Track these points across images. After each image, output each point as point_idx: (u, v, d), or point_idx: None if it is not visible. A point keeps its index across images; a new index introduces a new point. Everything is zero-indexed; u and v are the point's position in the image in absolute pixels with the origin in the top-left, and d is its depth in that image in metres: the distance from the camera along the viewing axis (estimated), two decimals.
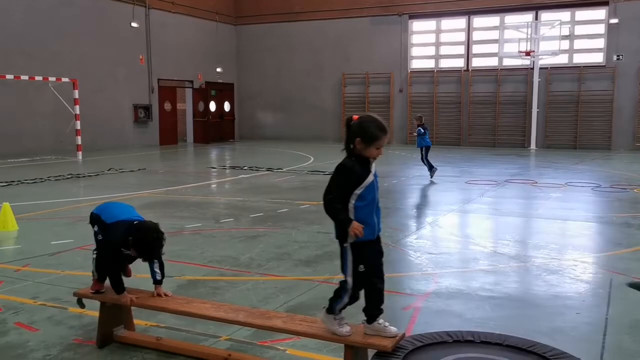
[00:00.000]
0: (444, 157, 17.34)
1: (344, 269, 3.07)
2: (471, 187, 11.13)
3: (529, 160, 17.08)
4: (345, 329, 3.05)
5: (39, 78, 15.69)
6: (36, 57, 17.22)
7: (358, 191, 2.97)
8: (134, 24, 21.00)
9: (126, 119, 21.14)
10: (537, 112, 20.43)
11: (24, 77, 15.28)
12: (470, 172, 13.75)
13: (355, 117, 3.03)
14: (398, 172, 13.50)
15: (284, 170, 14.00)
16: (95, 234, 3.79)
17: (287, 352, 3.66)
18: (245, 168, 14.30)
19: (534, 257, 5.95)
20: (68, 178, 12.38)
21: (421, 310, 4.40)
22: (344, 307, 3.09)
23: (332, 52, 24.48)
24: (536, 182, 11.71)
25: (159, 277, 3.78)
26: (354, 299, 3.10)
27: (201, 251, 6.20)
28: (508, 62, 21.78)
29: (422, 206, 9.70)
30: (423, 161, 12.45)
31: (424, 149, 12.38)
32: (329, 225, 7.50)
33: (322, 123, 24.90)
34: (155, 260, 3.77)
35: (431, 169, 12.23)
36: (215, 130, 24.77)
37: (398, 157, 17.50)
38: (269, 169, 14.01)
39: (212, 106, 24.85)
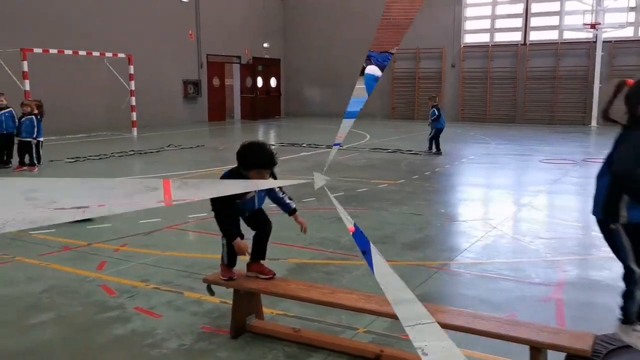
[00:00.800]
0: (502, 134, 16.74)
1: (623, 256, 2.66)
2: (548, 167, 10.60)
3: (596, 138, 16.34)
4: None
5: (95, 54, 15.58)
6: (86, 33, 17.08)
7: None
8: None
9: (176, 95, 21.02)
10: (600, 87, 19.52)
11: (82, 53, 15.18)
12: (538, 150, 13.17)
13: (630, 81, 2.63)
14: (463, 150, 13.01)
15: (345, 147, 13.65)
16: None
17: None
18: (304, 145, 14.01)
19: None
20: (130, 154, 12.29)
21: (565, 302, 4.04)
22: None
23: None
24: None
25: (293, 205, 3.64)
26: None
27: (297, 232, 5.89)
28: (568, 36, 20.82)
29: (507, 187, 9.19)
30: (431, 141, 12.31)
31: (434, 130, 12.34)
32: (417, 206, 7.28)
33: (370, 100, 23.49)
34: (282, 192, 3.57)
35: (437, 150, 12.19)
36: (262, 107, 24.51)
37: (454, 134, 16.92)
38: (328, 147, 13.68)
39: (259, 82, 24.56)
